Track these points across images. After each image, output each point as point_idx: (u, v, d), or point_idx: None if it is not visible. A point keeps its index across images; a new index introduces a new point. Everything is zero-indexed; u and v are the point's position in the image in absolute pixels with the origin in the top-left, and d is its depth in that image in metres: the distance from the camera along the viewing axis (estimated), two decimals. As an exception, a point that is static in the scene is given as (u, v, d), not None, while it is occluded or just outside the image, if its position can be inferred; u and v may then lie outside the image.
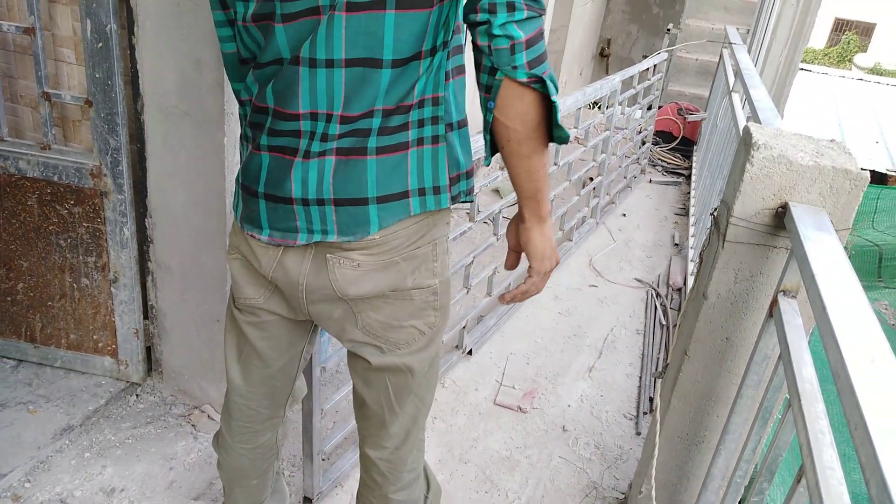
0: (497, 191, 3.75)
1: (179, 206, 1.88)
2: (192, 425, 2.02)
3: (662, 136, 5.42)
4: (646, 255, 3.66)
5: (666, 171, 5.05)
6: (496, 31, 0.92)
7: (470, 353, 2.54)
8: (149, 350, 2.14)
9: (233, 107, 1.71)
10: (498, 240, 2.48)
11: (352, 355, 1.23)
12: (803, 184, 1.29)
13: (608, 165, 3.69)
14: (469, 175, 1.15)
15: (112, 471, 1.84)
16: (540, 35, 0.94)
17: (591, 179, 3.68)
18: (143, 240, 1.98)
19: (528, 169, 1.03)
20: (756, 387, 1.32)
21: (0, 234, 2.00)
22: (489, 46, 0.93)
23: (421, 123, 1.03)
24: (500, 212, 2.45)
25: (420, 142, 1.04)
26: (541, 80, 0.94)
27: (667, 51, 4.37)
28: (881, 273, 5.67)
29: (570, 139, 1.09)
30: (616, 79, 3.37)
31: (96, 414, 2.02)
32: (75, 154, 1.90)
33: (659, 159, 5.18)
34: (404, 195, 1.05)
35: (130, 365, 2.12)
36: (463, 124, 1.11)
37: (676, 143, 5.32)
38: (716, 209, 1.51)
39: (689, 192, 4.56)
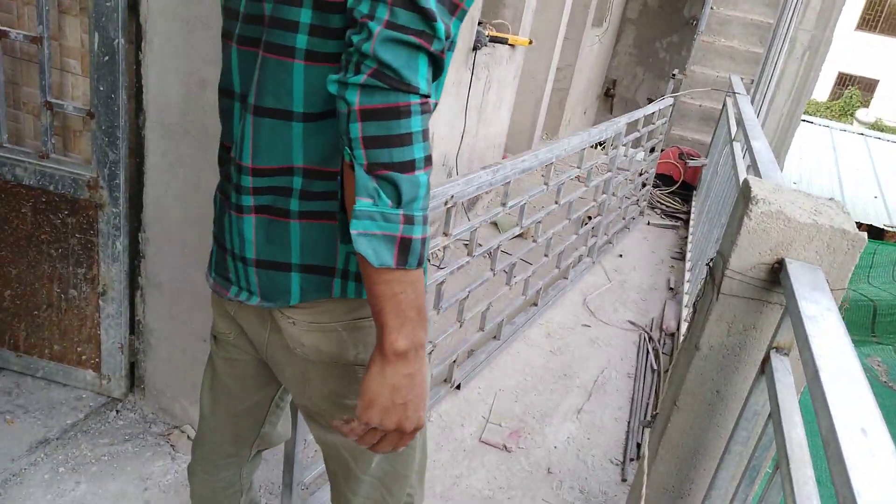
0: (495, 224, 3.75)
1: (174, 223, 1.87)
2: (171, 445, 1.98)
3: (663, 180, 5.44)
4: (640, 297, 3.65)
5: (665, 215, 5.06)
6: (331, 88, 0.77)
7: (458, 387, 2.51)
8: (133, 366, 2.10)
9: (234, 127, 1.71)
10: (494, 274, 2.47)
11: None
12: (800, 241, 1.28)
13: (608, 206, 3.69)
14: None
15: (85, 488, 1.80)
16: (390, 112, 0.75)
17: (590, 218, 3.68)
18: (134, 254, 1.96)
19: (365, 273, 0.81)
20: (745, 443, 1.30)
21: (-9, 240, 1.98)
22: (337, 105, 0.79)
23: None
24: (498, 246, 2.45)
25: None
26: (371, 172, 0.76)
27: (672, 96, 4.40)
28: (875, 328, 5.66)
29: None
30: (622, 121, 3.39)
31: (74, 428, 1.98)
32: (73, 165, 1.90)
33: (658, 202, 5.19)
34: (330, 272, 0.94)
35: (113, 380, 2.09)
36: None
37: (676, 187, 5.35)
38: (711, 259, 1.50)
39: (686, 237, 4.57)
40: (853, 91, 22.71)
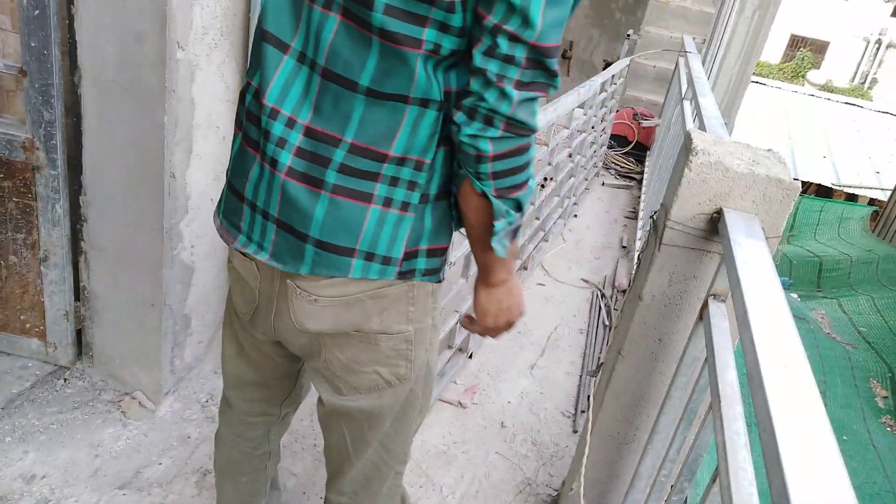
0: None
1: (116, 186, 1.82)
2: (122, 412, 1.96)
3: (617, 140, 5.49)
4: (594, 256, 3.71)
5: (619, 175, 5.12)
6: (463, 139, 0.88)
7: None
8: (79, 333, 2.06)
9: (175, 84, 1.66)
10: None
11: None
12: (738, 190, 1.31)
13: (579, 166, 3.73)
14: (433, 254, 1.01)
15: (34, 456, 1.77)
16: (517, 152, 0.89)
17: (547, 180, 3.70)
18: (76, 218, 1.91)
19: (478, 250, 1.00)
20: (684, 388, 1.34)
21: (-77, 206, 1.90)
22: (459, 146, 0.90)
23: (394, 182, 0.93)
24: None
25: (387, 202, 0.93)
26: (500, 197, 0.91)
27: (634, 58, 4.42)
28: (820, 283, 5.86)
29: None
30: (597, 81, 3.40)
31: (20, 397, 1.94)
32: (7, 125, 1.82)
33: (613, 163, 5.25)
34: (349, 252, 0.94)
35: (59, 348, 2.05)
36: (441, 197, 0.99)
37: (630, 148, 5.40)
38: (655, 212, 1.53)
39: (639, 196, 4.63)
40: (805, 53, 23.10)
